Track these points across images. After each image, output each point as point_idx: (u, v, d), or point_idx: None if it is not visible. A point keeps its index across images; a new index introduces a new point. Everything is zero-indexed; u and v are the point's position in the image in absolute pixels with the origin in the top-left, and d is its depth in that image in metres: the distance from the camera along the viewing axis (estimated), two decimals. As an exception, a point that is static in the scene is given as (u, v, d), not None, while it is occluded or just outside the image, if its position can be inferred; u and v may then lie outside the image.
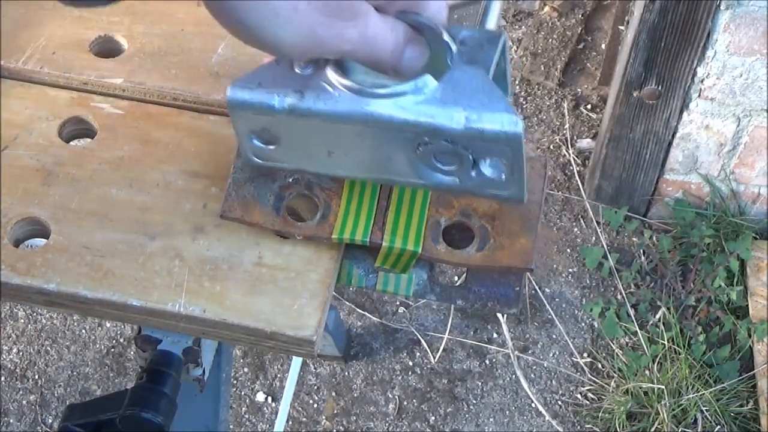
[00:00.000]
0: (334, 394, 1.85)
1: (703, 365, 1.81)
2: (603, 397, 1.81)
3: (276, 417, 1.74)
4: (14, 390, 1.85)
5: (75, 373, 1.87)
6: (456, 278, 1.89)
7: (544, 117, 2.22)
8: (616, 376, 1.82)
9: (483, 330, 1.92)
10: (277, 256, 0.72)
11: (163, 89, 0.81)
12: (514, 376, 1.86)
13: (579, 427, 1.81)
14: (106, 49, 0.85)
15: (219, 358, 0.92)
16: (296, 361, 1.67)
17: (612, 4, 2.36)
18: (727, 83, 1.67)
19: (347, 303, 1.95)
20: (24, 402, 1.84)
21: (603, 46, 2.31)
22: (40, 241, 0.73)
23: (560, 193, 2.09)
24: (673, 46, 1.62)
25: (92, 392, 1.85)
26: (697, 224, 1.92)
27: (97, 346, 1.90)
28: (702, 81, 1.68)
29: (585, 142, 2.16)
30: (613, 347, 1.86)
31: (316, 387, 1.86)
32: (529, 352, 1.89)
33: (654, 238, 1.99)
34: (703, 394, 1.75)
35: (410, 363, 1.89)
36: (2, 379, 1.86)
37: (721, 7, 1.54)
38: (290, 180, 0.72)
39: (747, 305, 1.87)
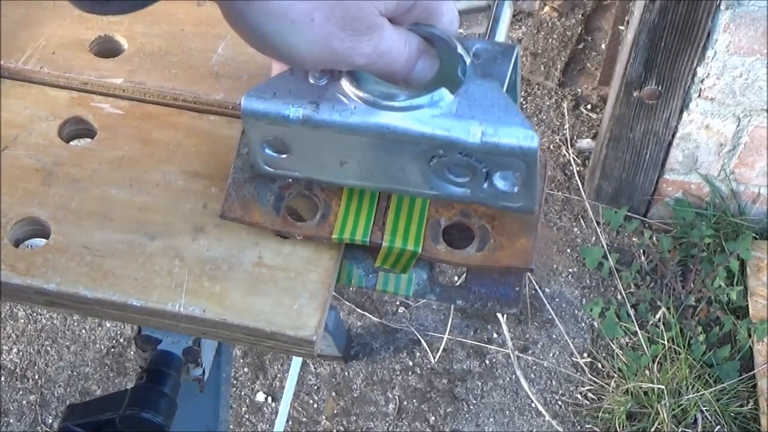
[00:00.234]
0: (334, 394, 1.85)
1: (703, 365, 1.81)
2: (603, 397, 1.81)
3: (276, 417, 1.74)
4: (14, 390, 1.85)
5: (75, 373, 1.87)
6: (456, 278, 1.89)
7: (544, 117, 2.22)
8: (616, 376, 1.82)
9: (483, 330, 1.92)
10: (277, 256, 0.72)
11: (163, 89, 0.81)
12: (514, 376, 1.86)
13: (579, 427, 1.81)
14: (106, 49, 0.85)
15: (219, 358, 0.92)
16: (296, 361, 1.67)
17: (612, 4, 2.36)
18: (727, 83, 1.67)
19: (347, 303, 1.95)
20: (24, 402, 1.84)
21: (603, 46, 2.31)
22: (40, 241, 0.73)
23: (560, 193, 2.09)
24: (673, 46, 1.62)
25: (92, 392, 1.85)
26: (697, 224, 1.92)
27: (97, 346, 1.90)
28: (702, 81, 1.68)
29: (585, 142, 2.16)
30: (613, 347, 1.86)
31: (316, 387, 1.86)
32: (529, 352, 1.89)
33: (654, 238, 1.99)
34: (703, 394, 1.75)
35: (410, 363, 1.89)
36: (2, 379, 1.86)
37: (721, 7, 1.54)
38: (290, 180, 0.72)
39: (747, 305, 1.87)
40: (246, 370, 1.87)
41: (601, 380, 1.84)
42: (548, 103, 2.25)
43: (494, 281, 0.74)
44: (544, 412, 1.82)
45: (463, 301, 0.74)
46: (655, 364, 1.80)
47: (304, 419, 1.82)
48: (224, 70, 0.83)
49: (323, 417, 1.83)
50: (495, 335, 1.92)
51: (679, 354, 1.81)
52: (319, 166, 0.68)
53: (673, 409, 1.75)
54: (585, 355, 1.88)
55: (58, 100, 0.81)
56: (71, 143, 0.79)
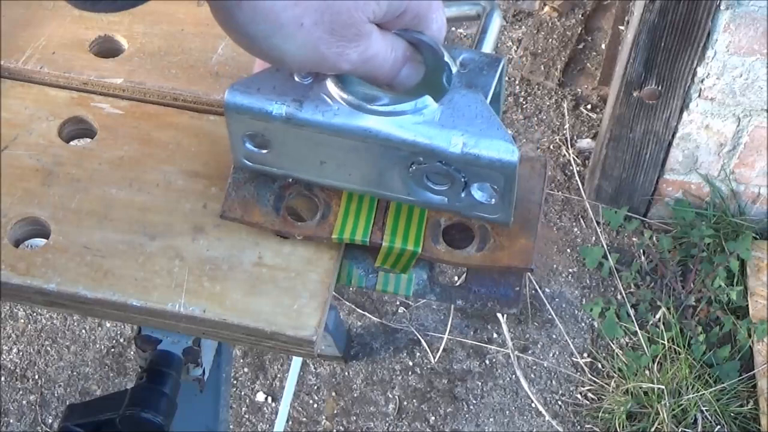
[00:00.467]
0: (334, 394, 1.85)
1: (703, 365, 1.81)
2: (603, 397, 1.81)
3: (276, 417, 1.74)
4: (14, 390, 1.85)
5: (75, 373, 1.87)
6: (456, 278, 1.89)
7: (544, 117, 2.22)
8: (616, 376, 1.82)
9: (483, 330, 1.92)
10: (277, 256, 0.72)
11: (163, 89, 0.81)
12: (514, 376, 1.86)
13: (579, 427, 1.81)
14: (106, 49, 0.85)
15: (219, 358, 0.92)
16: (296, 361, 1.67)
17: (612, 4, 2.36)
18: (727, 83, 1.67)
19: (347, 303, 1.95)
20: (24, 402, 1.84)
21: (603, 46, 2.31)
22: (40, 241, 0.73)
23: (560, 193, 2.09)
24: (673, 46, 1.62)
25: (92, 392, 1.85)
26: (697, 224, 1.92)
27: (97, 346, 1.90)
28: (702, 81, 1.68)
29: (585, 142, 2.16)
30: (613, 347, 1.86)
31: (316, 387, 1.86)
32: (529, 352, 1.90)
33: (654, 238, 1.99)
34: (703, 394, 1.75)
35: (410, 363, 1.89)
36: (2, 379, 1.86)
37: (721, 7, 1.54)
38: (290, 180, 0.72)
39: (747, 305, 1.87)
40: (246, 370, 1.87)
41: (601, 380, 1.84)
42: (548, 103, 2.25)
43: (494, 281, 0.74)
44: (544, 412, 1.82)
45: (463, 301, 0.74)
46: (655, 364, 1.80)
47: (304, 419, 1.82)
48: (224, 70, 0.83)
49: (323, 417, 1.83)
50: (495, 335, 1.92)
51: (679, 354, 1.81)
52: (299, 163, 0.68)
53: (673, 409, 1.75)
54: (585, 355, 1.88)
55: (58, 100, 0.81)
56: (71, 143, 0.79)
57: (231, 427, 1.81)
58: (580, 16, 2.37)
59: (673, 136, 1.81)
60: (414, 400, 1.84)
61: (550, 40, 2.33)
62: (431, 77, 0.63)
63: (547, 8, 2.37)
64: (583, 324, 1.93)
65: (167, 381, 0.81)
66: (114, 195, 0.75)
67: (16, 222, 0.73)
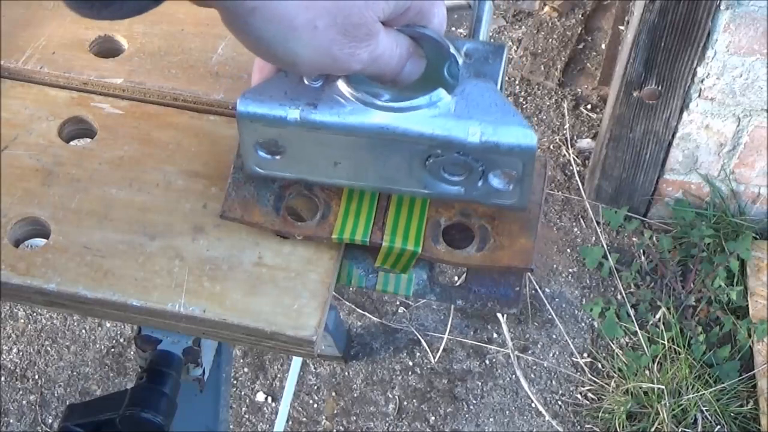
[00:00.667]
0: (334, 394, 1.85)
1: (703, 365, 1.81)
2: (603, 397, 1.81)
3: (276, 417, 1.74)
4: (14, 390, 1.85)
5: (75, 373, 1.87)
6: (456, 278, 1.89)
7: (544, 117, 2.22)
8: (616, 376, 1.82)
9: (483, 330, 1.92)
10: (277, 256, 0.72)
11: (163, 89, 0.81)
12: (514, 376, 1.86)
13: (579, 427, 1.81)
14: (106, 49, 0.85)
15: (219, 358, 0.92)
16: (296, 361, 1.67)
17: (612, 4, 2.36)
18: (727, 83, 1.67)
19: (347, 303, 1.95)
20: (24, 402, 1.84)
21: (603, 46, 2.31)
22: (40, 241, 0.73)
23: (560, 193, 2.09)
24: (673, 46, 1.62)
25: (92, 392, 1.85)
26: (697, 224, 1.92)
27: (97, 346, 1.90)
28: (702, 81, 1.68)
29: (585, 142, 2.16)
30: (613, 347, 1.86)
31: (316, 387, 1.86)
32: (529, 352, 1.89)
33: (654, 238, 1.99)
34: (703, 394, 1.75)
35: (410, 363, 1.89)
36: (2, 379, 1.86)
37: (721, 7, 1.54)
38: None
39: (747, 305, 1.87)
40: (246, 370, 1.87)
41: (601, 380, 1.84)
42: (548, 103, 2.25)
43: (494, 281, 0.74)
44: (544, 412, 1.82)
45: (463, 301, 0.74)
46: (655, 364, 1.80)
47: (304, 419, 1.82)
48: (224, 70, 0.83)
49: (323, 417, 1.83)
50: (495, 335, 1.92)
51: (679, 354, 1.81)
52: (313, 166, 0.68)
53: (673, 409, 1.75)
54: (585, 355, 1.88)
55: (58, 100, 0.81)
56: (71, 143, 0.79)
57: (231, 427, 1.81)
58: (580, 16, 2.37)
59: (673, 136, 1.81)
60: (414, 400, 1.84)
61: (550, 40, 2.33)
62: (432, 71, 0.63)
63: (547, 8, 2.37)
64: (583, 324, 1.93)
65: (167, 381, 0.81)
66: (114, 195, 0.75)
67: (16, 222, 0.73)
